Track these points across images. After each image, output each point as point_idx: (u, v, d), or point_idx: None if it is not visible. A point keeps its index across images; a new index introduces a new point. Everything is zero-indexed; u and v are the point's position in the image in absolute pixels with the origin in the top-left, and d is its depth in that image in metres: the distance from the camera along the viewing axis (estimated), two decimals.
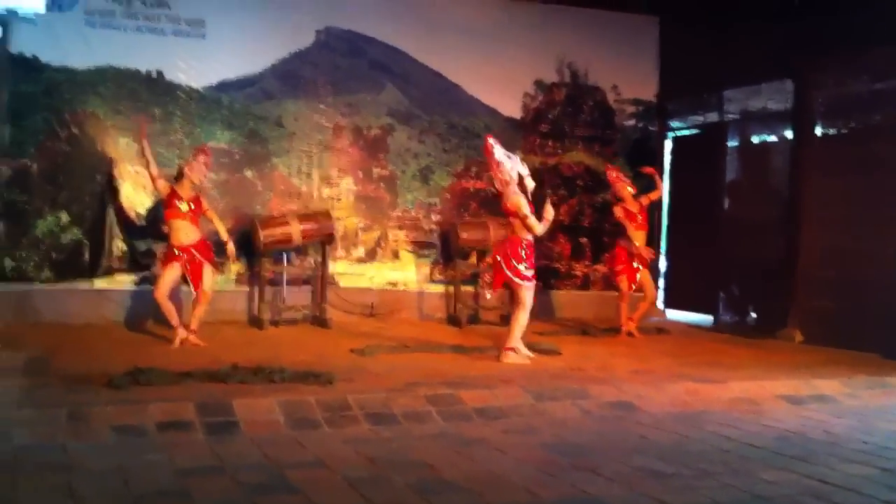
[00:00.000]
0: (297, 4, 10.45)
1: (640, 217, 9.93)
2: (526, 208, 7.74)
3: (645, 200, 10.02)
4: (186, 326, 8.23)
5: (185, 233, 8.25)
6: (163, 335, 8.46)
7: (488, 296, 8.49)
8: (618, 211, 9.93)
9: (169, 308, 8.17)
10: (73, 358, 7.18)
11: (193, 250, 8.27)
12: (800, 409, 6.64)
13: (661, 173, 11.49)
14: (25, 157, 9.35)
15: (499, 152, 7.73)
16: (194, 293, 8.40)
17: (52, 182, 9.46)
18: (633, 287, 9.98)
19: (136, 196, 9.73)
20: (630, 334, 9.90)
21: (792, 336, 9.95)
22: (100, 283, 9.59)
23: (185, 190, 8.28)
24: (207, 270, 8.38)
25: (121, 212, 9.70)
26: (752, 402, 6.72)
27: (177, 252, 8.22)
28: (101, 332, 8.70)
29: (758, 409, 6.56)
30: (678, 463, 4.98)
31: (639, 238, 9.89)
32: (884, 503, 4.40)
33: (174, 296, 8.45)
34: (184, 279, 8.37)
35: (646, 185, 10.16)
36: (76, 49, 9.50)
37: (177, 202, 8.24)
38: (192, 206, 8.28)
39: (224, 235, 8.45)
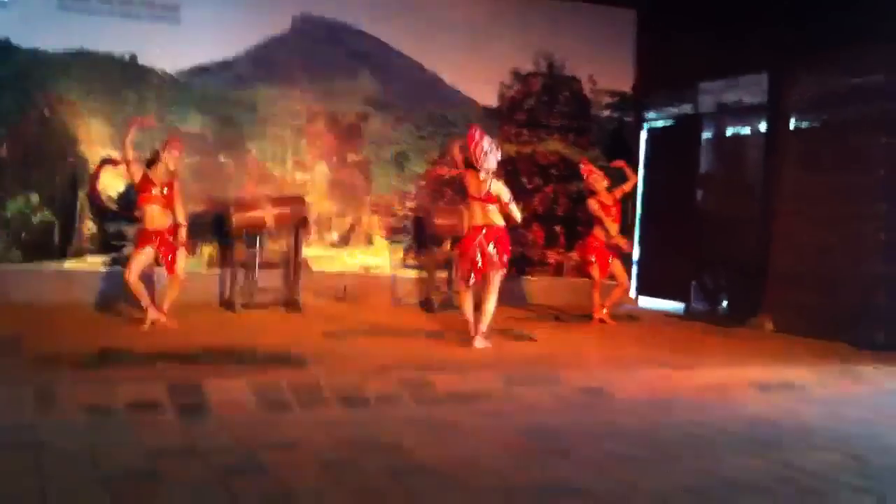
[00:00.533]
0: None
1: (613, 210, 9.99)
2: (509, 196, 7.74)
3: (618, 193, 10.08)
4: (158, 308, 8.19)
5: (158, 217, 8.21)
6: (133, 317, 8.41)
7: (462, 289, 8.36)
8: (592, 204, 9.97)
9: (140, 290, 8.12)
10: (43, 338, 7.10)
11: (167, 234, 8.23)
12: (770, 396, 6.70)
13: (634, 164, 11.54)
14: None
15: (485, 142, 7.70)
16: (168, 276, 8.36)
17: (22, 164, 9.37)
18: (605, 275, 10.05)
19: (106, 179, 9.63)
20: (602, 321, 9.96)
21: (763, 325, 10.02)
22: (70, 265, 9.52)
23: (158, 175, 8.22)
24: (180, 254, 8.33)
25: (92, 194, 9.61)
26: (723, 388, 6.76)
27: (150, 236, 8.18)
28: (71, 313, 8.62)
29: (728, 395, 6.61)
30: (649, 448, 5.02)
31: (613, 229, 9.95)
32: (853, 489, 4.45)
33: (146, 278, 8.40)
34: (156, 262, 8.32)
35: (619, 176, 10.20)
36: (49, 32, 9.39)
37: (151, 187, 8.20)
38: (165, 191, 8.23)
39: (181, 218, 8.36)
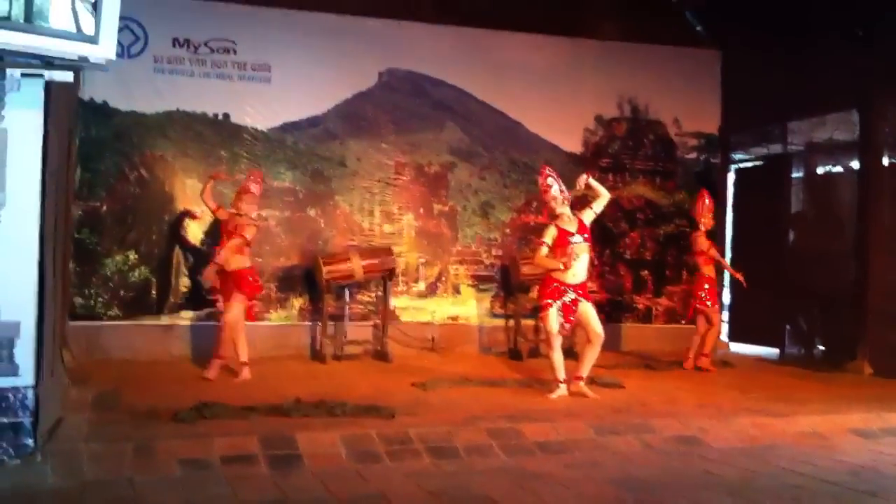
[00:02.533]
0: (360, 47, 10.60)
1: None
2: (546, 238, 7.75)
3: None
4: (223, 359, 8.37)
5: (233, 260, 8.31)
6: (226, 370, 8.56)
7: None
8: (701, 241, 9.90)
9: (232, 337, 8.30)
10: (141, 393, 7.30)
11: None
12: (871, 443, 6.48)
13: (723, 206, 11.40)
14: (96, 199, 9.63)
15: (554, 188, 7.74)
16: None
17: (121, 222, 9.73)
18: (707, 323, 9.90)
19: (200, 235, 9.92)
20: (700, 369, 9.78)
21: (861, 369, 9.73)
22: (166, 320, 9.78)
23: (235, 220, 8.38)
24: (236, 301, 8.30)
25: (186, 250, 9.91)
26: (822, 436, 6.58)
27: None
28: (167, 368, 8.84)
29: (828, 443, 6.43)
30: (747, 499, 4.91)
31: (709, 272, 9.88)
32: None
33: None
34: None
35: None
36: (145, 94, 9.80)
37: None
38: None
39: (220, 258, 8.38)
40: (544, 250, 7.74)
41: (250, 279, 8.40)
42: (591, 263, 7.97)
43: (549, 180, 7.83)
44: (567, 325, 7.80)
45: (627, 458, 5.85)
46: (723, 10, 11.49)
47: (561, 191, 7.79)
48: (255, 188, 8.48)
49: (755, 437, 6.51)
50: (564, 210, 7.76)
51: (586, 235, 7.76)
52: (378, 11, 10.62)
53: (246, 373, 8.28)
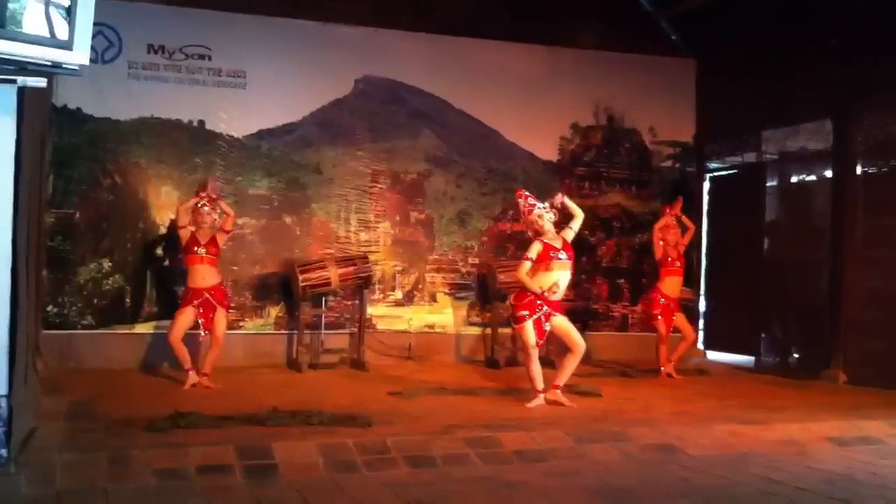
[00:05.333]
0: (336, 54, 10.59)
1: (678, 262, 9.97)
2: (531, 253, 7.70)
3: (682, 245, 10.05)
4: (198, 370, 8.37)
5: (201, 276, 8.38)
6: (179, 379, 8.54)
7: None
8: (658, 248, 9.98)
9: (181, 351, 8.29)
10: (115, 402, 7.23)
11: (207, 294, 8.37)
12: (846, 450, 6.51)
13: (698, 214, 11.47)
14: (69, 207, 9.55)
15: (536, 209, 7.74)
16: (205, 335, 8.47)
17: (94, 230, 9.65)
18: (670, 329, 9.95)
19: (173, 243, 9.84)
20: (669, 375, 9.83)
21: (836, 377, 9.78)
22: (141, 328, 9.70)
23: (202, 234, 8.46)
24: (220, 315, 8.46)
25: (161, 258, 9.83)
26: (797, 443, 6.60)
27: (191, 296, 8.39)
28: (142, 377, 8.78)
29: (803, 450, 6.44)
30: None
31: (674, 283, 9.95)
32: None
33: (191, 340, 8.55)
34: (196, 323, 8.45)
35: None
36: (119, 101, 9.73)
37: (195, 247, 8.41)
38: (208, 250, 8.42)
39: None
40: (527, 265, 7.70)
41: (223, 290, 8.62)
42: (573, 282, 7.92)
43: (531, 200, 7.78)
44: (540, 342, 7.75)
45: (605, 467, 5.85)
46: (698, 19, 11.56)
47: (545, 208, 7.75)
48: (204, 195, 8.50)
49: (731, 444, 6.52)
50: (550, 228, 7.73)
51: (570, 254, 7.75)
52: (355, 19, 10.61)
53: (193, 377, 8.28)
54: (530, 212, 7.75)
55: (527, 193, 7.90)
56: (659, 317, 9.97)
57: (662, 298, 9.97)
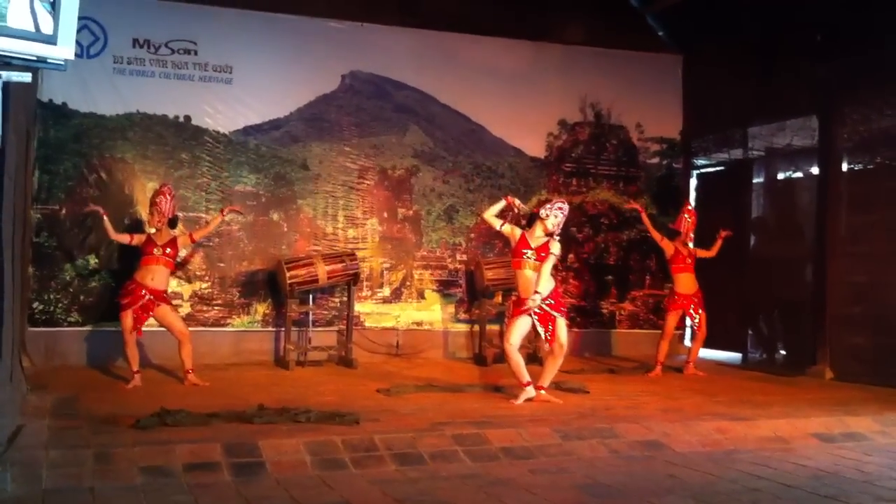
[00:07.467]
0: (323, 49, 10.58)
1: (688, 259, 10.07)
2: (509, 227, 7.84)
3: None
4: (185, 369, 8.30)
5: (151, 276, 8.24)
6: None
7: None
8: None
9: (132, 350, 8.19)
10: (101, 399, 7.20)
11: (150, 295, 8.19)
12: (832, 447, 6.53)
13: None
14: (55, 203, 9.49)
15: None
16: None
17: (80, 226, 9.59)
18: (674, 327, 10.09)
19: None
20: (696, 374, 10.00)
21: (822, 373, 9.81)
22: None
23: (160, 236, 8.34)
24: (165, 310, 8.29)
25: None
26: (784, 440, 6.62)
27: (140, 293, 8.19)
28: (128, 374, 8.71)
29: (789, 447, 6.46)
30: (710, 502, 4.91)
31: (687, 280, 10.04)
32: None
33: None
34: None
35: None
36: (104, 95, 9.69)
37: (153, 249, 8.26)
38: (167, 251, 8.30)
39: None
40: (497, 221, 7.81)
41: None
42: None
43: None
44: (548, 336, 7.70)
45: (593, 464, 5.85)
46: (685, 15, 11.56)
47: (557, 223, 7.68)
48: (160, 199, 8.37)
49: (718, 441, 6.54)
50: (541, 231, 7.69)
51: (542, 255, 7.63)
52: (341, 13, 10.60)
53: (138, 380, 8.16)
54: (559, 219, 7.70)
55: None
56: (669, 312, 10.01)
57: (675, 296, 9.98)
